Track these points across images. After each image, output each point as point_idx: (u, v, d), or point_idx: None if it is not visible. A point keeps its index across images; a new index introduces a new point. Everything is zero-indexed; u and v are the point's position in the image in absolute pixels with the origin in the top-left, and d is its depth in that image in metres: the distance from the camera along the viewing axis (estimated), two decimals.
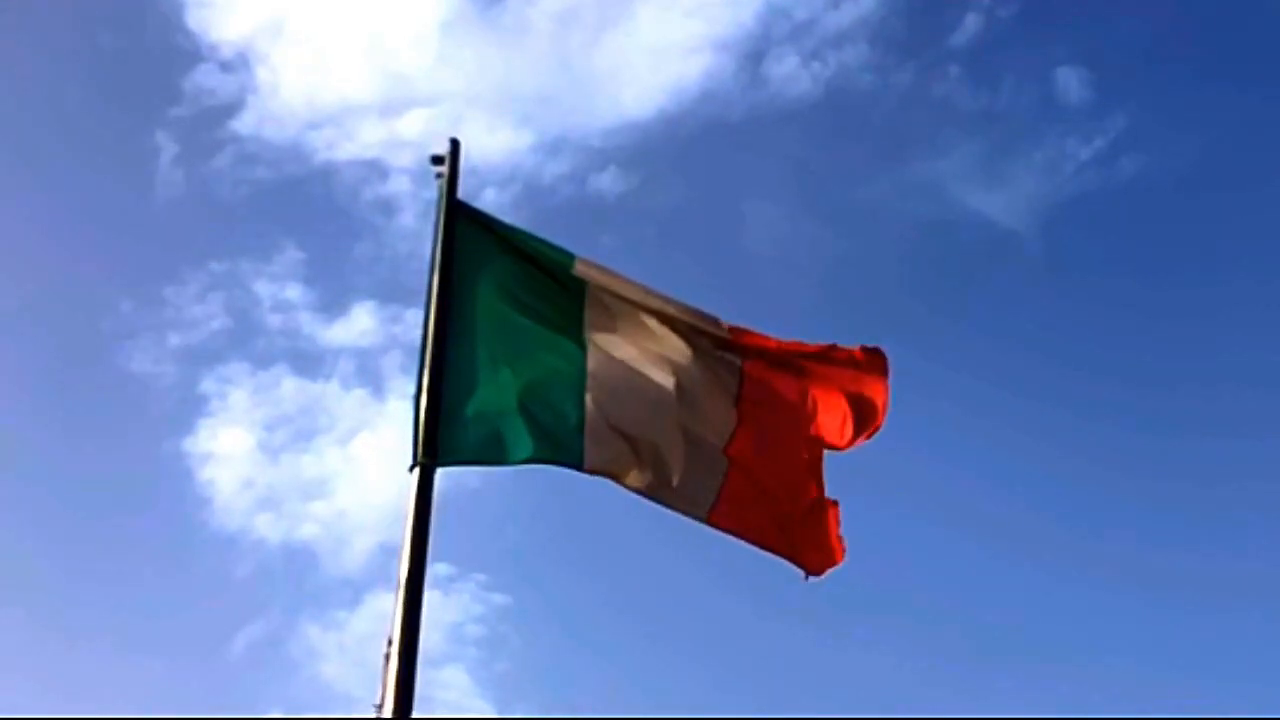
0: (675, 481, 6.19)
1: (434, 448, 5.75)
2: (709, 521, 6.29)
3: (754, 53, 25.64)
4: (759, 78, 25.72)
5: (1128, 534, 26.87)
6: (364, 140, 25.77)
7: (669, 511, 6.27)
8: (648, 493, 6.18)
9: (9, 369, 27.60)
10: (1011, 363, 28.40)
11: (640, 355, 6.35)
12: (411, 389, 5.92)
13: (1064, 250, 28.63)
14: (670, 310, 6.48)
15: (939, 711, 23.46)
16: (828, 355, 6.59)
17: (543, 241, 6.53)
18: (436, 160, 6.53)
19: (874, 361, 6.59)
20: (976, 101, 27.15)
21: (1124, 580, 25.81)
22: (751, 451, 6.40)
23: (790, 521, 6.41)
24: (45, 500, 26.62)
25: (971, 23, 26.25)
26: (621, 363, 6.30)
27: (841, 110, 26.85)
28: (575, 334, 6.34)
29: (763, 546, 6.40)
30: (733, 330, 6.55)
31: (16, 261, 27.93)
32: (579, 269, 6.45)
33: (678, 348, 6.42)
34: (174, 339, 26.39)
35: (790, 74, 25.55)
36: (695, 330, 6.48)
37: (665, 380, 6.31)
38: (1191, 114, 28.09)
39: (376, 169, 25.55)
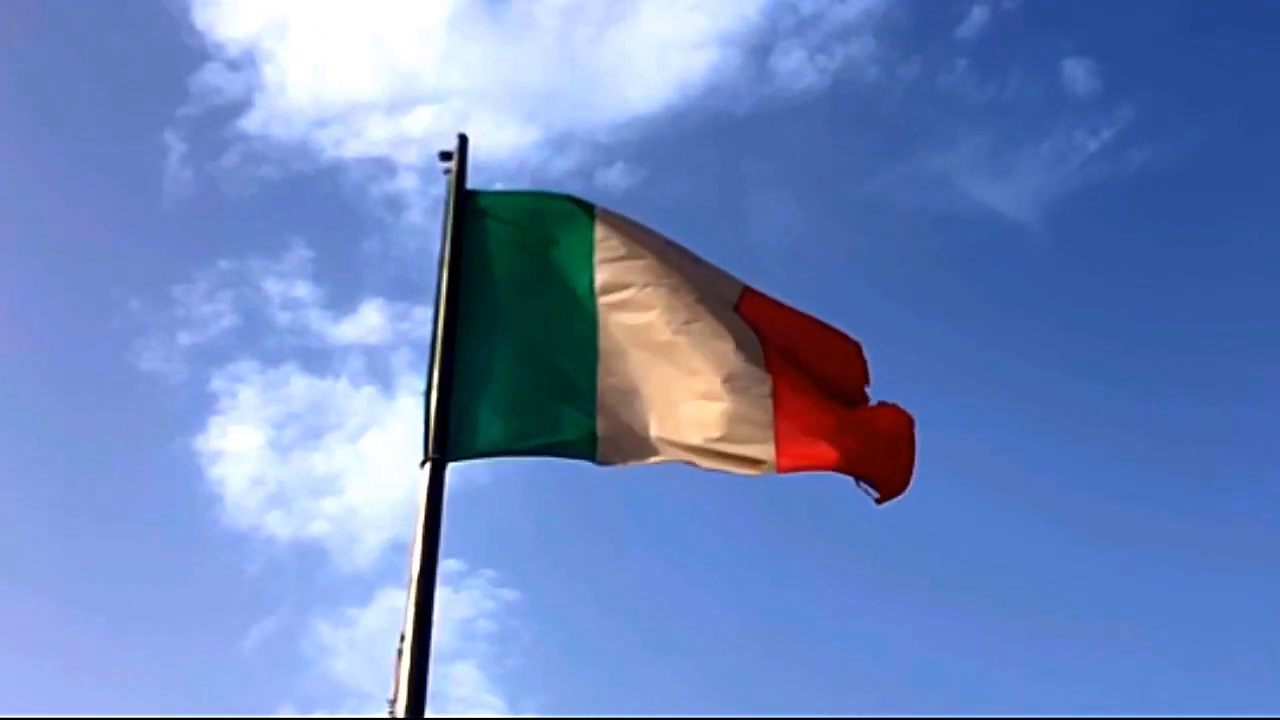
0: (718, 438, 6.03)
1: (444, 443, 5.75)
2: (779, 468, 6.02)
3: (760, 47, 25.53)
4: (765, 72, 25.63)
5: (1137, 496, 26.90)
6: (371, 138, 25.72)
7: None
8: (693, 460, 6.04)
9: (18, 367, 27.66)
10: (1017, 352, 28.32)
11: (655, 318, 6.27)
12: (421, 385, 5.93)
13: (1072, 241, 28.54)
14: (685, 271, 6.43)
15: (954, 673, 23.68)
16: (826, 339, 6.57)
17: (559, 198, 6.58)
18: (445, 156, 6.52)
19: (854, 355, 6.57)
20: (983, 94, 27.02)
21: (1133, 540, 25.89)
22: (789, 391, 6.19)
23: (858, 446, 6.16)
24: (54, 499, 26.66)
25: (978, 15, 26.11)
26: (635, 334, 6.24)
27: (848, 104, 26.73)
28: (588, 314, 6.29)
29: (838, 469, 6.12)
30: (746, 294, 6.51)
31: (25, 261, 27.96)
32: (599, 215, 6.47)
33: (694, 306, 6.33)
34: (183, 337, 26.33)
35: (796, 68, 25.45)
36: (708, 292, 6.41)
37: (683, 343, 6.22)
38: (1200, 105, 27.98)
39: (384, 166, 25.47)
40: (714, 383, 6.12)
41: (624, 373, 6.18)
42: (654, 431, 6.06)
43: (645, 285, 6.35)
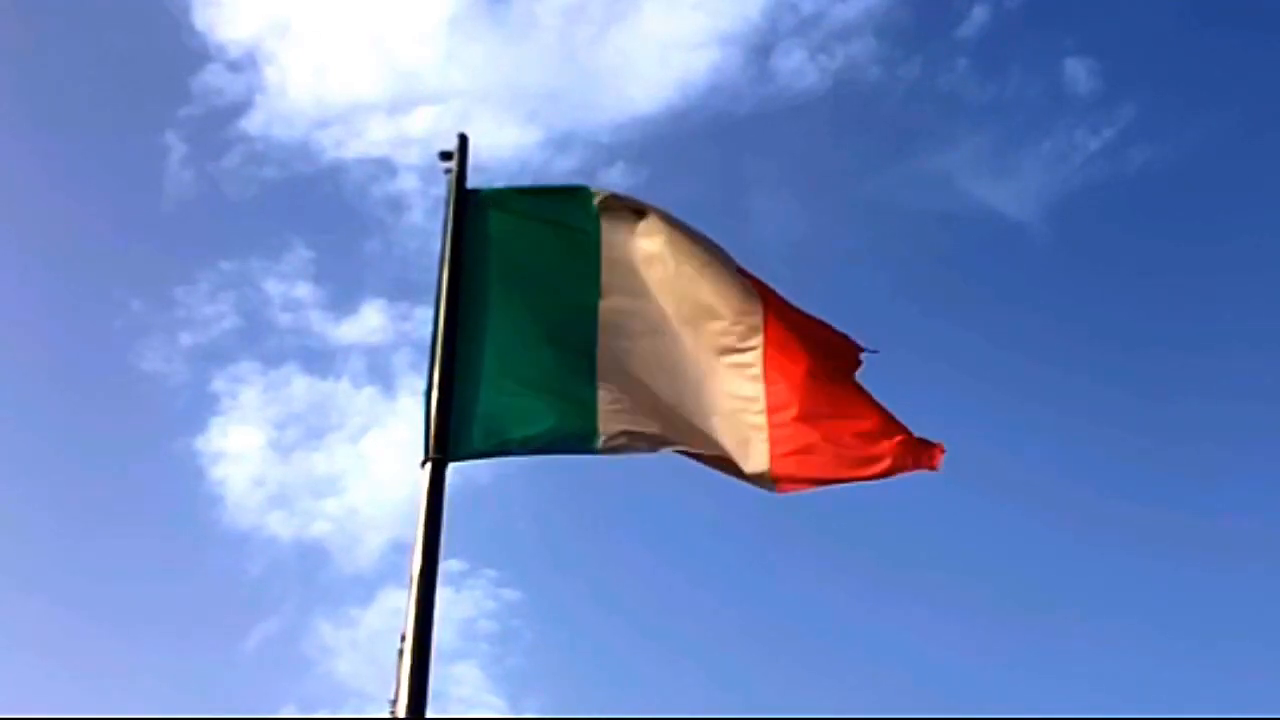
0: (713, 441, 6.05)
1: (445, 442, 5.75)
2: (775, 483, 5.98)
3: (761, 46, 25.62)
4: (766, 71, 25.71)
5: (1138, 495, 27.02)
6: (372, 138, 25.83)
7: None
8: (689, 454, 6.04)
9: (21, 368, 27.70)
10: (1018, 351, 28.34)
11: (658, 305, 6.27)
12: (422, 385, 5.93)
13: (1073, 241, 28.60)
14: (692, 238, 6.43)
15: (954, 673, 23.73)
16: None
17: (559, 190, 6.61)
18: (445, 156, 6.51)
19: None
20: (984, 93, 27.14)
21: (1135, 539, 26.01)
22: (788, 393, 6.16)
23: (862, 447, 6.05)
24: (56, 499, 26.73)
25: (979, 14, 26.22)
26: (637, 325, 6.24)
27: (849, 103, 26.84)
28: (590, 304, 6.29)
29: (844, 480, 6.07)
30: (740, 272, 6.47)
31: (27, 262, 28.03)
32: (600, 192, 6.47)
33: (696, 288, 6.33)
34: (185, 338, 26.45)
35: (797, 68, 25.53)
36: (717, 257, 6.41)
37: (684, 331, 6.24)
38: (1200, 105, 28.04)
39: (385, 167, 25.58)
40: (707, 365, 6.16)
41: (633, 359, 6.18)
42: (663, 426, 6.05)
43: (658, 261, 6.35)
